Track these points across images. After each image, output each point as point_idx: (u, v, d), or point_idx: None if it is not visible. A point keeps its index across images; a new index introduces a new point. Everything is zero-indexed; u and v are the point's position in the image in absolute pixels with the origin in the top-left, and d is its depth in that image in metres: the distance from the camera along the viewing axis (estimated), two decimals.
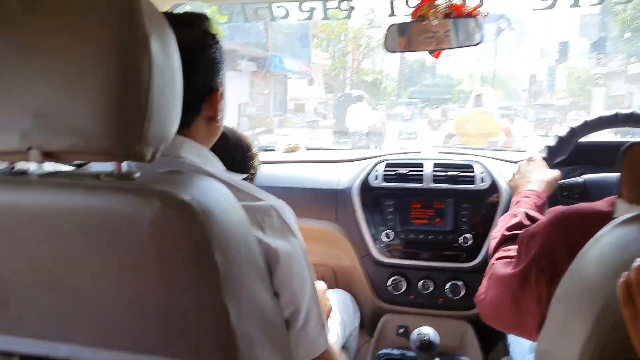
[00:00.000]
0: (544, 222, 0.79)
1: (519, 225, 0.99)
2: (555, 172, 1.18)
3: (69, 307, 0.61)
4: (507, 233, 0.99)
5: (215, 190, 0.63)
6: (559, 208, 0.79)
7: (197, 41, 0.77)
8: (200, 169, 0.74)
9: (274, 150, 1.98)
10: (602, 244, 0.57)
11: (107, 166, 0.60)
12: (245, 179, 1.28)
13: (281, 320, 0.72)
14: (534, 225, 0.82)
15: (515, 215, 1.03)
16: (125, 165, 0.60)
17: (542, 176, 1.16)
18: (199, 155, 0.77)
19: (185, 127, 0.74)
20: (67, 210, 0.58)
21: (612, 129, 1.31)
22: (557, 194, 1.19)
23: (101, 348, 0.61)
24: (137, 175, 0.60)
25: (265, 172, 1.64)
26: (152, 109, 0.57)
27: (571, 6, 1.44)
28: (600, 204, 0.74)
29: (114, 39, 0.55)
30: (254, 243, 0.66)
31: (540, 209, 1.06)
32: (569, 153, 1.29)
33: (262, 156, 1.42)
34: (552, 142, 1.29)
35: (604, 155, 1.43)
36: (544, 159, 1.24)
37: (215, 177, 0.70)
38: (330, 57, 20.63)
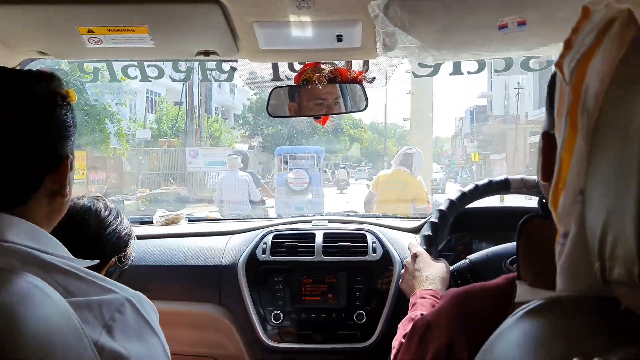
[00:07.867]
0: (444, 306, 0.69)
1: None
2: (442, 265, 1.13)
3: None
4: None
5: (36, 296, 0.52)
6: (454, 290, 0.69)
7: (44, 100, 0.67)
8: (33, 255, 0.61)
9: (151, 223, 1.76)
10: (507, 342, 0.47)
11: None
12: (112, 266, 1.07)
13: None
14: (429, 313, 0.72)
15: (413, 320, 0.93)
16: None
17: (433, 272, 1.11)
18: (33, 237, 0.63)
19: (19, 204, 0.64)
20: None
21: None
22: (452, 284, 1.12)
23: None
24: None
25: (138, 247, 1.43)
26: None
27: (451, 74, 1.47)
28: (497, 282, 0.65)
29: None
30: (90, 355, 0.55)
31: None
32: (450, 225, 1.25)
33: (136, 230, 1.24)
34: (427, 230, 1.23)
35: (480, 220, 1.41)
36: (427, 250, 1.18)
37: (53, 264, 0.60)
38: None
